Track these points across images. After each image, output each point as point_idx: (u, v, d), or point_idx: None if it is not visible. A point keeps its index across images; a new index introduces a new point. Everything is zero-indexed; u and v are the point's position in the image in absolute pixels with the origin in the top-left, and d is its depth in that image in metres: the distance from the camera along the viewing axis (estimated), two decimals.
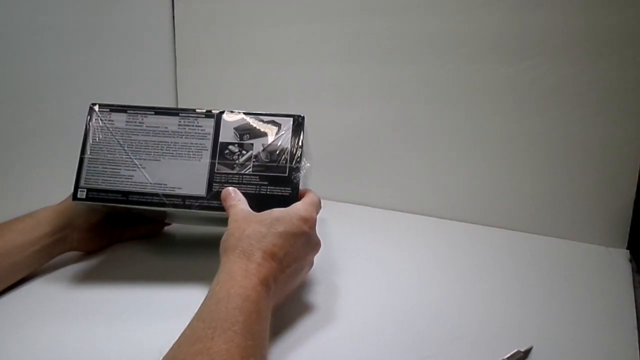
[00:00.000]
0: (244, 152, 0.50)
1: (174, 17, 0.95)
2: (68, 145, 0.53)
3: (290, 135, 0.50)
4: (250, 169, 0.49)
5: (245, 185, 0.49)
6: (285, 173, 0.49)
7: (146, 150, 0.51)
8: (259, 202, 0.47)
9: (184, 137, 0.51)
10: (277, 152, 0.50)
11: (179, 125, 0.51)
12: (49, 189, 0.53)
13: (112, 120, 0.52)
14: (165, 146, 0.51)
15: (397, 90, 0.76)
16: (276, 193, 0.49)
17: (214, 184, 0.49)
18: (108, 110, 0.53)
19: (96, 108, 0.53)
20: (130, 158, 0.51)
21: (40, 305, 0.47)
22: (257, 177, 0.49)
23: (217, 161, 0.50)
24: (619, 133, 0.62)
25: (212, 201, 0.49)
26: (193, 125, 0.51)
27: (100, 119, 0.52)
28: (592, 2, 0.61)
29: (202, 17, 0.92)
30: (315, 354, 0.40)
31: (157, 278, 0.53)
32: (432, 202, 0.77)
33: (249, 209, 0.46)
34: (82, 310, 0.47)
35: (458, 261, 0.60)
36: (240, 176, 0.49)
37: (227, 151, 0.50)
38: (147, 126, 0.52)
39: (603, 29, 0.61)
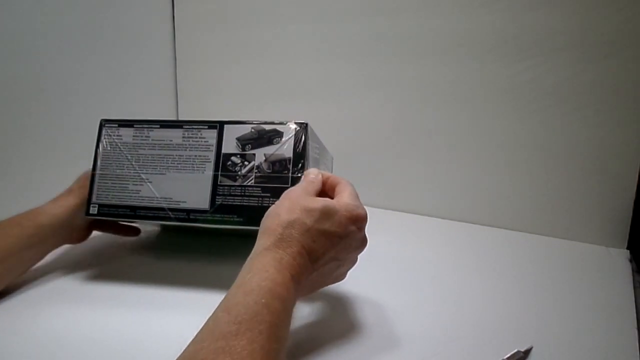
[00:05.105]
0: (246, 163, 0.48)
1: (174, 17, 0.95)
2: (68, 144, 0.53)
3: (292, 143, 0.48)
4: (253, 181, 0.48)
5: (247, 198, 0.47)
6: (288, 184, 0.47)
7: (152, 164, 0.51)
8: (261, 216, 0.44)
9: (188, 149, 0.50)
10: (279, 162, 0.48)
11: (183, 137, 0.51)
12: (49, 188, 0.53)
13: (121, 136, 0.52)
14: (170, 159, 0.50)
15: (397, 90, 0.76)
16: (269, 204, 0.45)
17: (217, 197, 0.48)
18: (116, 125, 0.53)
19: (105, 124, 0.53)
20: (138, 173, 0.51)
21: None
22: (260, 188, 0.47)
23: (220, 173, 0.49)
24: (619, 133, 0.62)
25: (216, 215, 0.48)
26: (197, 137, 0.50)
27: (110, 135, 0.53)
28: (592, 2, 0.61)
29: (202, 17, 0.92)
30: (310, 349, 0.40)
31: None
32: (432, 202, 0.77)
33: (308, 190, 0.42)
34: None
35: (458, 261, 0.60)
36: (243, 188, 0.48)
37: (229, 162, 0.49)
38: (152, 140, 0.51)
39: (603, 29, 0.61)
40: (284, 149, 0.48)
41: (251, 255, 0.38)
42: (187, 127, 0.51)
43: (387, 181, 0.80)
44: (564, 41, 0.63)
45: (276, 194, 0.46)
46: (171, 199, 0.49)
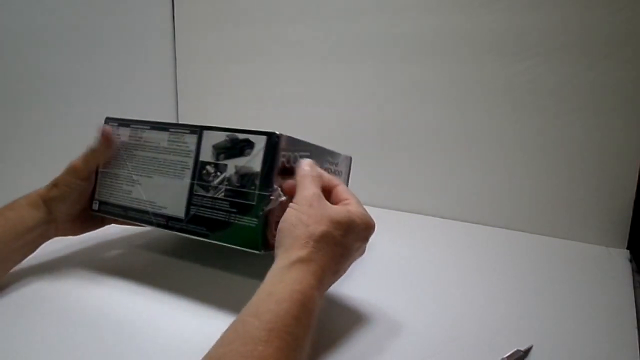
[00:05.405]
0: (218, 173, 0.45)
1: (174, 17, 0.95)
2: (68, 144, 0.53)
3: (262, 157, 0.43)
4: (223, 193, 0.44)
5: (216, 211, 0.45)
6: (253, 201, 0.43)
7: (143, 165, 0.50)
8: (226, 232, 0.44)
9: (172, 153, 0.48)
10: (247, 175, 0.43)
11: (168, 141, 0.49)
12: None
13: (119, 135, 0.52)
14: (156, 162, 0.49)
15: (397, 90, 0.76)
16: (243, 223, 0.43)
17: (192, 207, 0.46)
18: (117, 124, 0.53)
19: (109, 122, 0.53)
20: (130, 173, 0.50)
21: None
22: (228, 202, 0.44)
23: (195, 182, 0.46)
24: (619, 133, 0.62)
25: (190, 225, 0.46)
26: (180, 142, 0.48)
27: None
28: (592, 2, 0.61)
29: (202, 17, 0.92)
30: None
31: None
32: (432, 201, 0.77)
33: (320, 192, 0.42)
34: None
35: (458, 261, 0.60)
36: (213, 200, 0.45)
37: (204, 171, 0.46)
38: (144, 141, 0.50)
39: (603, 29, 0.61)
40: (253, 162, 0.44)
41: (279, 264, 0.37)
42: (173, 130, 0.49)
43: (387, 181, 0.80)
44: (564, 41, 0.63)
45: (242, 210, 0.43)
46: (155, 203, 0.48)
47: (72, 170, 0.51)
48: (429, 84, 0.73)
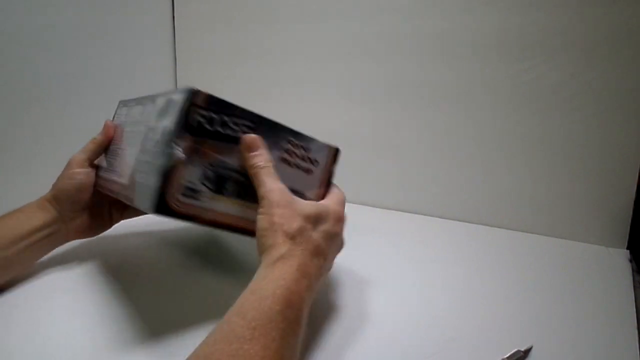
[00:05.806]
0: (153, 137, 0.43)
1: (174, 17, 0.95)
2: (69, 143, 0.53)
3: (176, 112, 0.40)
4: (149, 156, 0.42)
5: (142, 174, 0.42)
6: (158, 159, 0.40)
7: (124, 139, 0.51)
8: (139, 194, 0.42)
9: (139, 125, 0.47)
10: (164, 134, 0.40)
11: (140, 114, 0.49)
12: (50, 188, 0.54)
13: (120, 114, 0.55)
14: (131, 135, 0.49)
15: (398, 89, 0.76)
16: (147, 183, 0.40)
17: (133, 172, 0.44)
18: (122, 105, 0.56)
19: (119, 104, 0.57)
20: (116, 147, 0.52)
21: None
22: (150, 165, 0.41)
23: (140, 147, 0.45)
24: (619, 133, 0.62)
25: (126, 191, 0.45)
26: (145, 113, 0.48)
27: (118, 114, 0.56)
28: (592, 2, 0.61)
29: (202, 17, 0.92)
30: (309, 347, 0.40)
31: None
32: (432, 201, 0.77)
33: (283, 186, 0.41)
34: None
35: (458, 261, 0.60)
36: (143, 163, 0.43)
37: (147, 136, 0.44)
38: (130, 117, 0.52)
39: (603, 29, 0.61)
40: (170, 119, 0.40)
41: (263, 264, 0.37)
42: (144, 103, 0.49)
43: (387, 180, 0.80)
44: (565, 41, 0.63)
45: (150, 171, 0.40)
46: (118, 172, 0.49)
47: (70, 163, 0.53)
48: (430, 83, 0.73)
